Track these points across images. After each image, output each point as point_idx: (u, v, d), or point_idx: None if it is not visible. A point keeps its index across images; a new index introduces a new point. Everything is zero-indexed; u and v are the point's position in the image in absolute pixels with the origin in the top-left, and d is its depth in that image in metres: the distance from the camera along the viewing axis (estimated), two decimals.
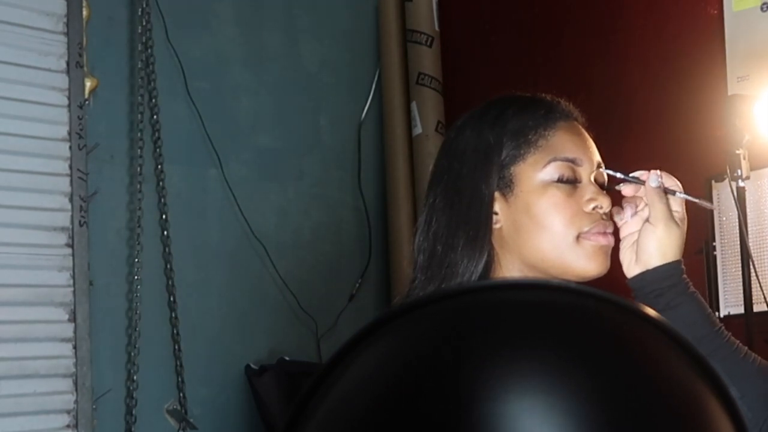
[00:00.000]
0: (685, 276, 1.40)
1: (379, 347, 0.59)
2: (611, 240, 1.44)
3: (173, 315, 3.25)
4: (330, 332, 3.59)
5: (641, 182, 1.44)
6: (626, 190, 1.45)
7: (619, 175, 1.46)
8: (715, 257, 2.94)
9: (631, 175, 1.45)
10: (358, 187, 3.79)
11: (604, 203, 1.44)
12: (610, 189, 1.48)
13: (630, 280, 1.43)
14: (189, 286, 3.32)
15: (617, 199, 1.47)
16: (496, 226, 1.45)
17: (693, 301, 1.39)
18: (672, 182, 1.44)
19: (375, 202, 3.83)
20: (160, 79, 3.27)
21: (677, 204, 1.44)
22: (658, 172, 1.43)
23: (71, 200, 3.03)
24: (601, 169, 1.48)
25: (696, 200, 1.47)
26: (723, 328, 1.38)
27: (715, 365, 1.34)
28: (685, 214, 1.44)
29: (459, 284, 1.37)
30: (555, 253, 1.42)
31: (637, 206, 1.45)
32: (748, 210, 2.67)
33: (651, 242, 1.40)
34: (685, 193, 1.44)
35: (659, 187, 1.42)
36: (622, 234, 1.45)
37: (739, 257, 2.68)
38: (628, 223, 1.45)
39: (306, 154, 3.69)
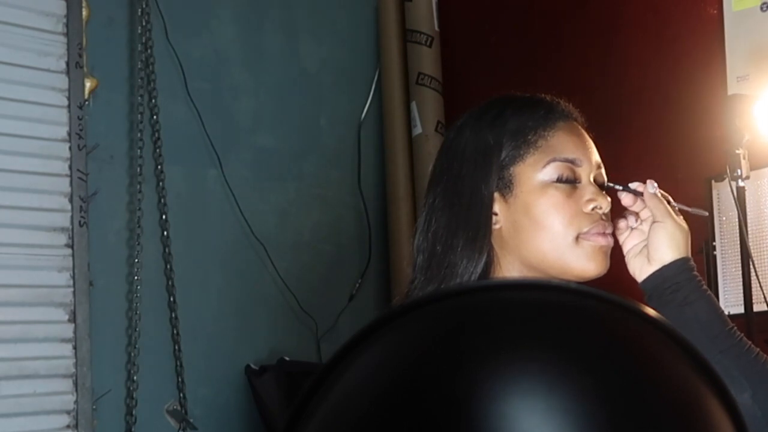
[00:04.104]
0: (696, 273, 1.42)
1: (379, 347, 0.59)
2: (610, 240, 1.44)
3: (173, 315, 3.25)
4: (330, 332, 3.59)
5: (639, 193, 1.45)
6: (625, 200, 1.47)
7: (617, 186, 1.48)
8: (715, 257, 2.94)
9: (628, 185, 1.47)
10: (358, 187, 3.79)
11: (604, 204, 1.44)
12: (609, 188, 1.49)
13: (645, 280, 1.43)
14: (189, 287, 3.32)
15: (614, 203, 1.48)
16: (496, 227, 1.45)
17: (708, 299, 1.40)
18: (663, 194, 1.47)
19: (375, 202, 3.83)
20: (159, 80, 3.27)
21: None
22: (654, 182, 1.45)
23: (71, 201, 3.03)
24: (601, 170, 1.49)
25: (688, 209, 1.49)
26: (735, 327, 1.39)
27: (729, 363, 1.36)
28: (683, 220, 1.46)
29: (459, 284, 1.37)
30: (554, 253, 1.42)
31: (637, 219, 1.46)
32: (748, 210, 2.67)
33: (663, 239, 1.42)
34: (678, 203, 1.47)
35: (656, 192, 1.44)
36: (625, 249, 1.47)
37: (739, 257, 2.68)
38: (630, 236, 1.46)
39: (306, 154, 3.69)
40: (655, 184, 1.45)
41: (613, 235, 1.46)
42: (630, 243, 1.47)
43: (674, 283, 1.40)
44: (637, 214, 1.47)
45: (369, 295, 3.77)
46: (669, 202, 1.46)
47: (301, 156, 3.68)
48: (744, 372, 1.34)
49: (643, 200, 1.45)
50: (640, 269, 1.44)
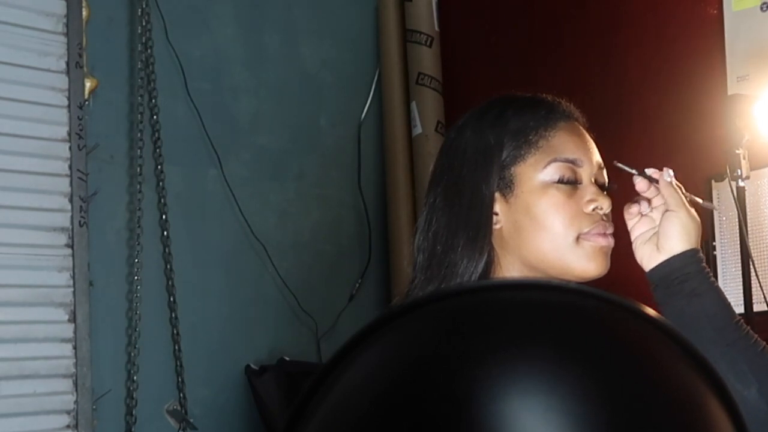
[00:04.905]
0: (705, 264, 1.41)
1: (379, 347, 0.59)
2: (611, 241, 1.44)
3: (173, 315, 3.25)
4: (330, 332, 3.59)
5: (654, 180, 1.44)
6: (639, 185, 1.46)
7: (632, 170, 1.46)
8: (715, 257, 2.94)
9: (644, 171, 1.46)
10: (358, 187, 3.79)
11: (605, 204, 1.44)
12: (610, 189, 1.49)
13: (652, 270, 1.42)
14: (189, 287, 3.32)
15: (619, 199, 1.48)
16: (496, 227, 1.45)
17: (715, 291, 1.40)
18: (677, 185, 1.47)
19: (375, 202, 3.83)
20: (159, 80, 3.27)
21: None
22: (670, 170, 1.45)
23: (71, 200, 3.03)
24: (615, 163, 1.49)
25: (699, 201, 1.49)
26: (742, 320, 1.39)
27: (737, 356, 1.35)
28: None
29: (459, 284, 1.37)
30: (555, 253, 1.42)
31: (649, 205, 1.46)
32: (748, 210, 2.67)
33: (675, 227, 1.41)
34: (690, 194, 1.46)
35: (672, 181, 1.44)
36: (633, 235, 1.46)
37: (739, 257, 2.67)
38: (639, 223, 1.46)
39: (306, 154, 3.69)
40: (672, 173, 1.44)
41: (614, 235, 1.45)
42: (639, 230, 1.46)
43: (683, 273, 1.39)
44: (649, 201, 1.46)
45: (369, 295, 3.77)
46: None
47: (301, 156, 3.68)
48: (751, 366, 1.34)
49: (657, 187, 1.45)
50: (648, 258, 1.43)
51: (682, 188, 1.46)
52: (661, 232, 1.42)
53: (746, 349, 1.35)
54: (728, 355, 1.33)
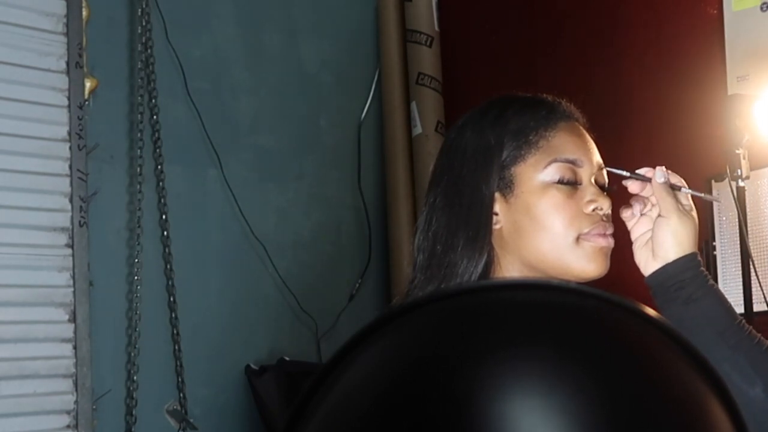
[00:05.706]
0: (703, 268, 1.40)
1: (379, 347, 0.59)
2: (611, 241, 1.44)
3: (173, 315, 3.25)
4: (330, 332, 3.59)
5: (647, 179, 1.44)
6: (632, 187, 1.45)
7: (624, 172, 1.46)
8: (715, 257, 2.94)
9: (635, 172, 1.46)
10: (358, 187, 3.79)
11: (605, 204, 1.44)
12: (610, 190, 1.48)
13: (649, 276, 1.42)
14: (189, 287, 3.32)
15: (619, 200, 1.47)
16: (496, 227, 1.45)
17: (714, 294, 1.38)
18: (676, 179, 1.45)
19: (375, 202, 3.83)
20: (159, 79, 3.27)
21: (684, 198, 1.44)
22: (663, 168, 1.44)
23: (71, 200, 3.03)
24: (605, 168, 1.48)
25: (700, 195, 1.48)
26: (743, 320, 1.38)
27: (740, 358, 1.34)
28: (693, 206, 1.45)
29: (459, 284, 1.37)
30: (555, 253, 1.42)
31: (644, 205, 1.45)
32: (748, 210, 2.67)
33: (666, 234, 1.40)
34: (689, 188, 1.45)
35: (665, 182, 1.43)
36: (633, 236, 1.45)
37: (739, 257, 2.68)
38: (638, 223, 1.45)
39: (306, 154, 3.69)
40: (664, 171, 1.43)
41: (614, 235, 1.45)
42: (638, 231, 1.45)
43: (678, 281, 1.38)
44: (645, 200, 1.45)
45: (369, 295, 3.77)
46: (680, 188, 1.44)
47: (301, 156, 3.68)
48: (755, 365, 1.33)
49: (651, 185, 1.44)
50: (645, 263, 1.43)
51: (684, 182, 1.45)
52: (654, 239, 1.41)
53: (750, 349, 1.35)
54: (732, 358, 1.33)
